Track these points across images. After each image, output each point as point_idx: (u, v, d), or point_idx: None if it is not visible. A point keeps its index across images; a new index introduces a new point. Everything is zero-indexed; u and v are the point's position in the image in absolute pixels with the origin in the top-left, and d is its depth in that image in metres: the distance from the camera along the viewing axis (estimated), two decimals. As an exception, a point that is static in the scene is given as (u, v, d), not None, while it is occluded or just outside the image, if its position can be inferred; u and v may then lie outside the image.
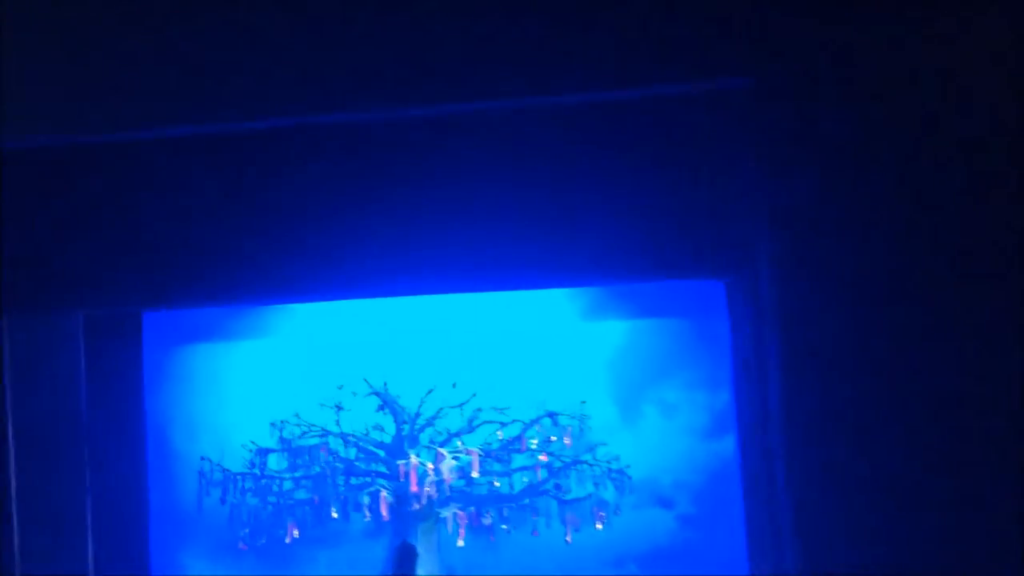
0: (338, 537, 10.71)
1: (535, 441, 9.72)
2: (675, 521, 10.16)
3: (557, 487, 9.82)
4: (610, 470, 9.85)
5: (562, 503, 9.84)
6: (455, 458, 9.67)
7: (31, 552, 9.89)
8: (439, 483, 10.03)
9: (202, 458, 10.49)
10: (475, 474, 9.67)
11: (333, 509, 9.93)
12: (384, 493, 9.82)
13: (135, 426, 11.69)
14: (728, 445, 10.59)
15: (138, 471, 11.72)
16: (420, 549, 10.19)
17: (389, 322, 11.20)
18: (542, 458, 9.76)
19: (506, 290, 10.77)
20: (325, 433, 10.46)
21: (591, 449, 9.88)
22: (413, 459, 9.73)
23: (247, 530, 10.07)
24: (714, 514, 10.90)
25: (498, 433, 9.85)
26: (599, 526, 9.64)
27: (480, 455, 9.67)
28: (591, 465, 9.81)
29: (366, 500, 9.87)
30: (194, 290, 10.04)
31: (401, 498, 10.02)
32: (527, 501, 10.04)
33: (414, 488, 9.74)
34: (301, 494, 10.48)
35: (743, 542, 10.42)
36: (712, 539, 11.04)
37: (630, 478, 9.86)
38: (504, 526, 9.80)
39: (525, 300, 11.13)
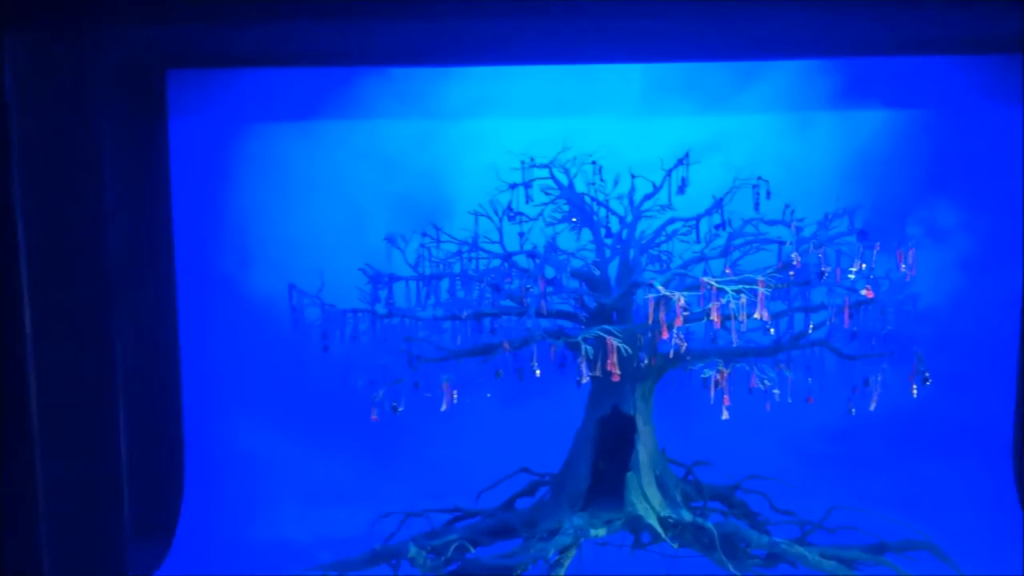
0: (494, 403, 6.65)
1: (855, 268, 5.92)
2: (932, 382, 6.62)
3: (853, 335, 6.16)
4: (904, 313, 6.23)
5: (847, 360, 6.19)
6: (736, 292, 5.75)
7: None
8: (687, 329, 6.13)
9: (291, 286, 6.02)
10: (762, 315, 5.81)
11: (534, 364, 5.84)
12: (612, 342, 5.79)
13: (160, 239, 7.14)
14: (1013, 283, 7.24)
15: (164, 300, 7.24)
16: (638, 423, 6.35)
17: (563, 95, 7.04)
18: (867, 293, 5.98)
19: (752, 59, 6.92)
20: (494, 255, 6.22)
21: (874, 284, 6.17)
22: (674, 296, 5.74)
23: (380, 392, 5.82)
24: (984, 377, 7.60)
25: (793, 257, 5.94)
26: (915, 391, 6.06)
27: (769, 288, 5.79)
28: (887, 308, 6.16)
29: (587, 353, 5.83)
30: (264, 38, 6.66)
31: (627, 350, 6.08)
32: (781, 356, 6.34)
33: (664, 335, 5.77)
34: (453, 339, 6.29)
35: (1010, 419, 7.33)
36: (977, 409, 7.77)
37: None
38: (776, 391, 6.02)
39: (755, 74, 7.20)
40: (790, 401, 6.41)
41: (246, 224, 7.50)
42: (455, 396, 6.45)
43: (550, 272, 6.73)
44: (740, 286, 6.11)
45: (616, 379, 6.32)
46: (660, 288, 6.18)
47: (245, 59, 7.13)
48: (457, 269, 6.74)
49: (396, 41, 6.97)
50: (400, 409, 6.50)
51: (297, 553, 7.10)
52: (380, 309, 6.74)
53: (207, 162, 7.41)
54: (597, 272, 6.85)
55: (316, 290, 6.63)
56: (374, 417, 6.39)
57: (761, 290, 6.10)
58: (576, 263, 6.87)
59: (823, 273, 6.34)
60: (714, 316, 6.20)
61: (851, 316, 6.45)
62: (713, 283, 6.11)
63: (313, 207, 7.44)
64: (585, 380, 6.34)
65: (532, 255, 6.77)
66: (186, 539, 7.42)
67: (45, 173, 5.89)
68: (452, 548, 6.46)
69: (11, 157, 5.51)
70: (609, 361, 6.28)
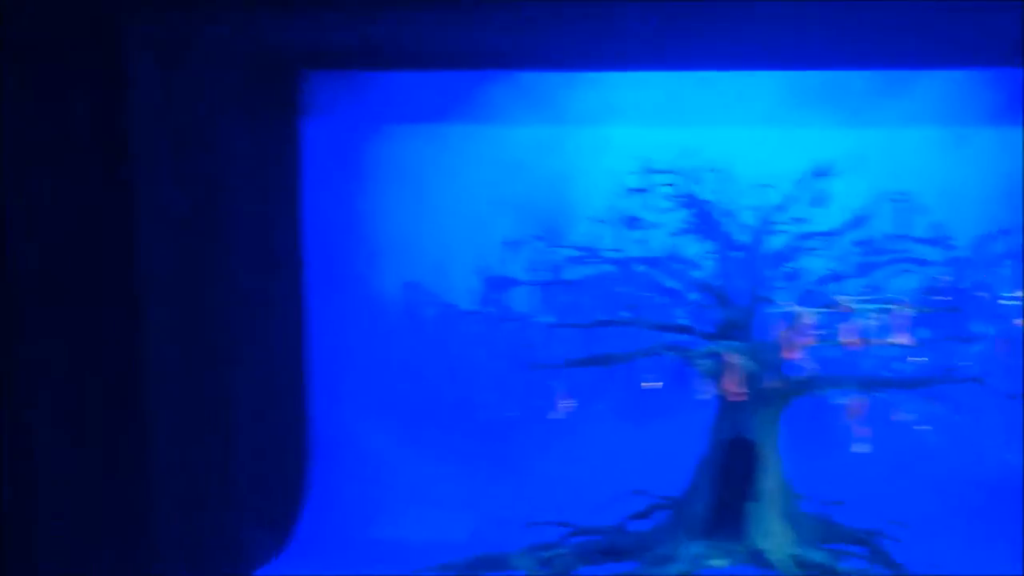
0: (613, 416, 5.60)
1: (1015, 295, 4.55)
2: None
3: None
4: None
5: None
6: (875, 314, 4.48)
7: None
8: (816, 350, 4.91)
9: (407, 285, 5.16)
10: (904, 341, 4.51)
11: (651, 379, 4.76)
12: (734, 360, 4.61)
13: (289, 239, 6.35)
14: None
15: (294, 301, 6.47)
16: (763, 450, 5.14)
17: (691, 103, 5.94)
18: (1031, 322, 4.65)
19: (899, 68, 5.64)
20: (613, 262, 5.17)
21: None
22: (804, 314, 4.53)
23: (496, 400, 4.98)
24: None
25: (943, 280, 4.62)
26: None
27: (911, 312, 4.49)
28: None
29: (706, 367, 4.68)
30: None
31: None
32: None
33: (792, 353, 4.55)
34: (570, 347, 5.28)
35: None
36: None
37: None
38: (923, 428, 4.68)
39: (902, 85, 5.89)
40: (940, 442, 5.10)
41: (375, 224, 6.82)
42: (570, 407, 5.51)
43: (670, 283, 5.70)
44: (879, 306, 4.89)
45: (738, 399, 5.21)
46: (789, 305, 5.03)
47: (377, 60, 6.45)
48: (575, 276, 5.80)
49: (525, 44, 6.12)
50: (515, 416, 5.62)
51: (409, 554, 6.30)
52: (496, 313, 5.88)
53: (337, 163, 6.77)
54: (721, 284, 5.76)
55: (438, 291, 5.84)
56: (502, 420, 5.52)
57: (904, 312, 4.87)
58: (698, 274, 5.80)
59: (978, 299, 5.02)
60: (849, 339, 5.00)
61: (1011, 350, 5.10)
62: (849, 302, 4.92)
63: (438, 209, 6.68)
64: (705, 398, 5.27)
65: (652, 264, 5.75)
66: (307, 532, 6.78)
67: (169, 167, 5.31)
68: (561, 563, 5.51)
69: (133, 150, 4.91)
70: (731, 380, 5.19)
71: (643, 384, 5.59)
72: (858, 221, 5.75)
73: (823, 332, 5.27)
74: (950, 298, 5.27)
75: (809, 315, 5.21)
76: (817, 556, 5.56)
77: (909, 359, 5.34)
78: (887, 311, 5.09)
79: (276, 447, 7.02)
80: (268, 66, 6.59)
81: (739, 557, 5.64)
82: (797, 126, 6.39)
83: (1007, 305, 5.17)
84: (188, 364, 5.83)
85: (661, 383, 5.44)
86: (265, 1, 5.35)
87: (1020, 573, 5.88)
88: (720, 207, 6.03)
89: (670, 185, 6.03)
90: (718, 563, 5.59)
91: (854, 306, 5.13)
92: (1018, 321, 5.18)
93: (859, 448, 5.20)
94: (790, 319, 5.32)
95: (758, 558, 5.60)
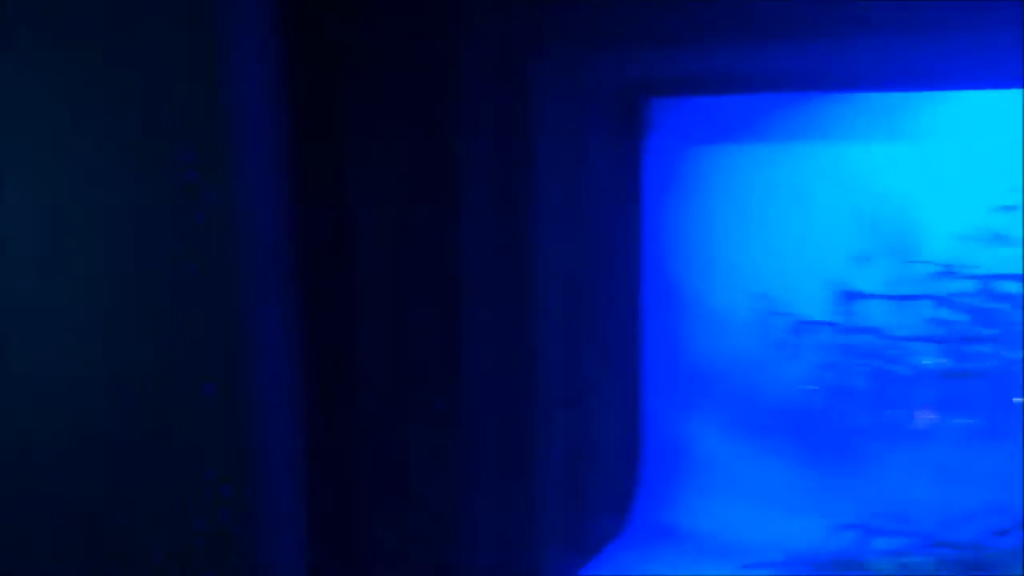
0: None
1: None
2: None
3: None
4: None
5: None
6: None
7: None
8: None
9: (759, 296, 5.37)
10: None
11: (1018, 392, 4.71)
12: None
13: (628, 254, 6.80)
14: None
15: (632, 305, 6.91)
16: None
17: None
18: None
19: None
20: (975, 278, 5.11)
21: None
22: None
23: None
24: None
25: None
26: None
27: None
28: None
29: None
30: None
31: None
32: None
33: None
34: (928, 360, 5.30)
35: None
36: None
37: None
38: None
39: None
40: None
41: (711, 237, 7.19)
42: (928, 419, 5.59)
43: (1041, 301, 5.64)
44: None
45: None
46: None
47: (719, 86, 6.84)
48: (933, 291, 5.87)
49: (880, 68, 6.27)
50: (865, 425, 5.79)
51: (742, 552, 6.59)
52: (847, 324, 6.07)
53: (677, 181, 7.22)
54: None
55: (781, 302, 6.12)
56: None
57: None
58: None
59: None
60: None
61: None
62: None
63: (782, 223, 6.95)
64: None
65: (1020, 281, 5.71)
66: (639, 521, 7.24)
67: (552, 188, 5.96)
68: (919, 570, 5.60)
69: (534, 185, 5.57)
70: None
71: (1015, 400, 5.55)
72: None
73: None
74: None
75: None
76: None
77: None
78: None
79: (618, 441, 7.55)
80: (619, 95, 7.16)
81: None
82: None
83: None
84: (564, 361, 6.46)
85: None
86: (615, 36, 5.87)
87: None
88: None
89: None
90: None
91: None
92: None
93: None
94: None
95: None
